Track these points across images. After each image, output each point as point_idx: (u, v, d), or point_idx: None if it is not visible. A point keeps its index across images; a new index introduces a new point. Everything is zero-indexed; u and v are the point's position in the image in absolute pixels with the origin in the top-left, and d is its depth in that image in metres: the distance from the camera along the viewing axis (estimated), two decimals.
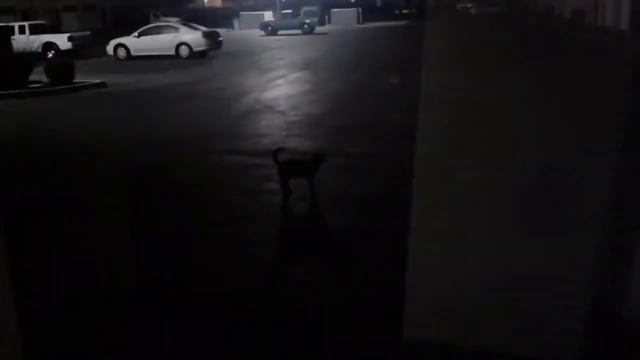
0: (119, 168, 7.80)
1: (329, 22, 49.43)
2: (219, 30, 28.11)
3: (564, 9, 37.28)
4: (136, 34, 24.50)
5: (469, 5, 69.05)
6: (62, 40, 25.80)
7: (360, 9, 53.39)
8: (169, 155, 8.30)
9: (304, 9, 44.51)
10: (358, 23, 50.24)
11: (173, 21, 34.86)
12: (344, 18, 50.12)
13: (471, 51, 3.05)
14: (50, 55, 23.94)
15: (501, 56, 3.01)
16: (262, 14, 49.08)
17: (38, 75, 15.92)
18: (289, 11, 45.17)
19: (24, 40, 18.81)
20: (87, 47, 27.00)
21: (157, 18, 52.71)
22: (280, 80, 16.09)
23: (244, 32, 45.59)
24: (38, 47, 21.08)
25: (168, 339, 3.62)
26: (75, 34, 27.64)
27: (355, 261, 4.74)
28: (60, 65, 16.24)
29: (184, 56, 23.50)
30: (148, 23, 35.79)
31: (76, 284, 4.37)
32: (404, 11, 69.07)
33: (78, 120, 11.39)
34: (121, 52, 24.28)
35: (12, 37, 19.45)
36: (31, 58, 16.37)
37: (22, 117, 12.10)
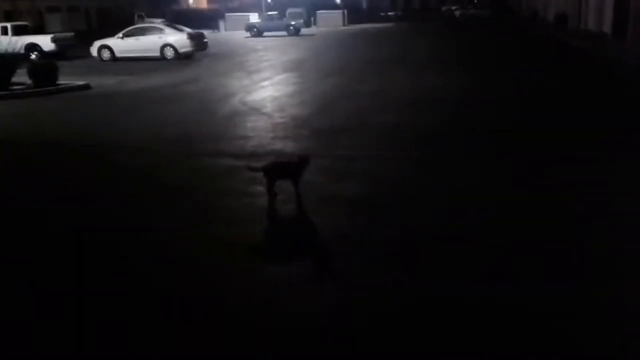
0: (99, 170, 7.75)
1: (315, 24, 49.45)
2: (204, 31, 27.98)
3: (547, 12, 37.60)
4: (120, 35, 24.34)
5: (453, 8, 69.54)
6: (45, 42, 25.55)
7: (345, 11, 53.52)
8: (152, 157, 8.24)
9: (290, 10, 44.50)
10: (344, 25, 50.34)
11: (158, 22, 34.66)
12: (330, 20, 50.19)
13: None
14: (33, 56, 23.67)
15: None
16: (248, 16, 49.02)
17: (21, 77, 15.75)
18: (275, 13, 45.16)
19: (7, 41, 18.56)
20: (71, 49, 26.78)
21: (141, 19, 52.38)
22: (265, 82, 16.06)
23: (229, 33, 45.49)
24: (21, 48, 20.85)
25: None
26: (58, 35, 27.39)
27: (338, 263, 4.73)
28: (44, 67, 16.07)
29: (169, 58, 23.38)
30: (132, 24, 35.61)
31: None
32: (389, 13, 69.39)
33: (60, 122, 11.29)
34: (105, 54, 24.10)
35: None
36: (14, 59, 16.17)
37: (4, 118, 11.94)
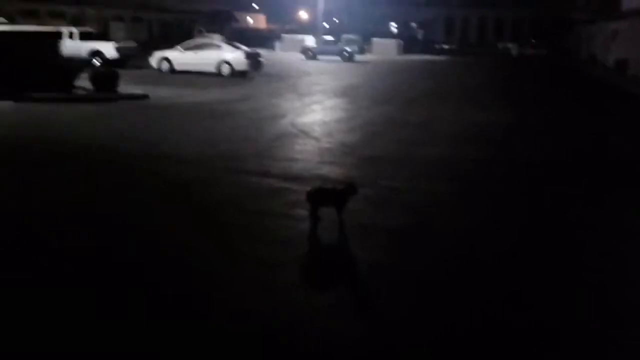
0: (146, 179, 7.98)
1: (370, 51, 49.79)
2: (260, 51, 28.56)
3: (607, 56, 37.10)
4: (180, 48, 25.05)
5: (510, 45, 69.01)
6: (108, 49, 26.42)
7: (401, 41, 53.71)
8: (199, 171, 8.45)
9: (345, 36, 45.06)
10: (398, 54, 50.53)
11: (217, 39, 35.56)
12: (385, 48, 50.50)
13: None
14: (96, 62, 24.57)
15: None
16: (303, 38, 49.72)
17: (83, 82, 16.39)
18: (331, 38, 45.69)
19: (73, 46, 19.38)
20: (133, 58, 27.65)
21: (201, 34, 53.82)
22: (316, 106, 16.27)
23: (284, 54, 46.21)
24: (85, 53, 21.75)
25: None
26: (121, 44, 28.33)
27: (377, 296, 4.75)
28: (105, 74, 16.68)
29: (225, 74, 23.91)
30: (192, 38, 36.61)
31: None
32: (444, 46, 69.30)
33: (116, 130, 11.67)
34: (164, 65, 24.82)
35: (61, 41, 20.08)
36: (78, 64, 16.85)
37: (59, 121, 12.44)
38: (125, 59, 26.67)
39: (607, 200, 7.80)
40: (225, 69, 24.01)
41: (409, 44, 56.44)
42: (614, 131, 13.97)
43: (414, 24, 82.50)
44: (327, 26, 62.94)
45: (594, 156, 10.80)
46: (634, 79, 29.36)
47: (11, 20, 35.18)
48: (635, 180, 9.00)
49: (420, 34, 69.16)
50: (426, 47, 62.18)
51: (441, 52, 62.78)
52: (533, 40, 72.30)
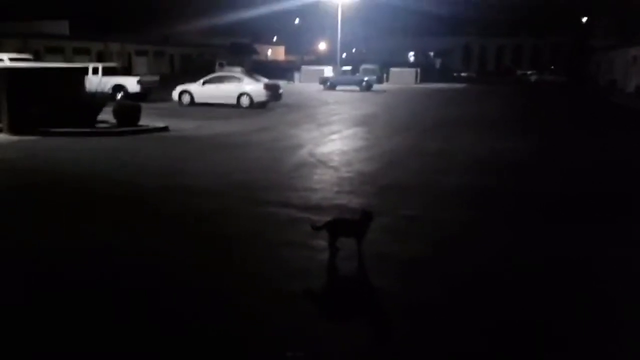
0: (166, 210, 8.08)
1: (387, 81, 50.15)
2: (280, 82, 28.94)
3: (627, 82, 36.91)
4: (201, 82, 25.49)
5: (529, 72, 69.22)
6: (131, 83, 27.04)
7: (419, 69, 54.06)
8: (219, 202, 8.52)
9: (363, 66, 45.53)
10: (416, 83, 50.83)
11: (237, 71, 36.08)
12: (402, 77, 50.86)
13: None
14: (118, 96, 25.10)
15: None
16: (322, 69, 50.31)
17: (106, 115, 16.74)
18: (349, 68, 46.16)
19: (97, 81, 19.84)
20: (155, 91, 28.20)
21: (221, 67, 54.74)
22: (335, 136, 16.38)
23: (304, 85, 46.74)
24: (109, 88, 22.21)
25: None
26: (144, 78, 28.94)
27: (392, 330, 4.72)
28: (128, 108, 17.01)
29: (245, 106, 24.23)
30: (213, 71, 37.27)
31: None
32: (462, 74, 69.53)
33: (137, 163, 11.85)
34: (185, 98, 25.26)
35: (86, 77, 20.57)
36: (102, 99, 17.23)
37: (80, 154, 12.68)
38: (147, 93, 27.23)
39: (631, 237, 7.70)
40: (245, 101, 24.34)
41: (426, 72, 56.77)
42: (637, 159, 13.80)
43: (431, 53, 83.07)
44: (345, 56, 63.60)
45: (615, 188, 10.67)
46: None
47: (37, 57, 36.17)
48: None
49: (437, 63, 69.54)
50: (444, 75, 62.45)
51: (459, 80, 62.97)
52: (552, 67, 72.24)
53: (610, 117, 24.74)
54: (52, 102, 15.40)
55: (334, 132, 17.07)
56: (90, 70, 26.24)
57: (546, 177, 11.02)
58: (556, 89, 47.01)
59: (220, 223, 7.57)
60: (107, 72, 27.23)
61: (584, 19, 62.24)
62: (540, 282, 5.68)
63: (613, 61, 49.17)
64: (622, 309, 5.13)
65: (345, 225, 6.34)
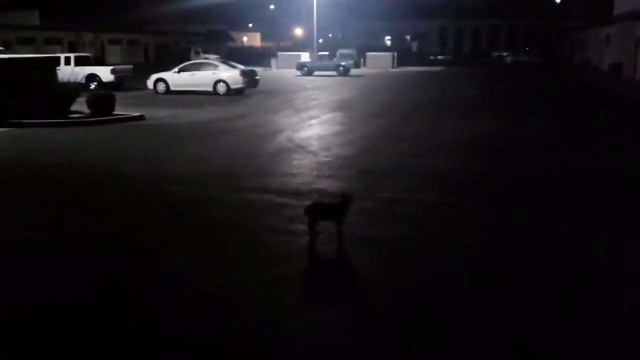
0: (144, 200, 7.98)
1: (365, 65, 50.01)
2: (256, 69, 28.68)
3: (601, 61, 37.39)
4: (176, 69, 25.17)
5: (504, 54, 69.50)
6: (104, 73, 26.62)
7: (395, 54, 54.00)
8: (198, 190, 8.44)
9: (340, 51, 45.23)
10: (393, 67, 50.76)
11: (212, 58, 35.72)
12: (379, 62, 50.73)
13: None
14: (92, 86, 24.69)
15: None
16: (299, 55, 49.98)
17: (80, 106, 16.45)
18: (325, 53, 45.93)
19: (69, 71, 19.47)
20: (129, 80, 27.81)
21: (197, 55, 54.12)
22: (313, 121, 16.30)
23: (280, 71, 46.43)
24: (82, 78, 21.86)
25: None
26: (117, 67, 28.50)
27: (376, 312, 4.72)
28: (101, 97, 16.73)
29: (221, 93, 23.99)
30: (189, 59, 36.82)
31: None
32: (438, 57, 69.66)
33: (112, 152, 11.68)
34: (161, 87, 24.94)
35: (58, 67, 20.18)
36: (74, 89, 16.92)
37: (56, 145, 12.45)
38: (121, 82, 26.84)
39: (610, 211, 7.79)
40: (222, 88, 24.10)
41: (403, 56, 56.74)
42: (613, 135, 13.97)
43: (407, 37, 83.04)
44: (322, 42, 63.30)
45: (593, 164, 10.79)
46: (628, 83, 29.48)
47: (8, 48, 35.38)
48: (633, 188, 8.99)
49: (414, 46, 69.48)
50: (420, 59, 62.48)
51: (436, 63, 63.09)
52: (527, 48, 72.71)
53: (583, 97, 24.99)
54: (24, 93, 15.08)
55: (312, 118, 17.00)
56: (62, 60, 25.72)
57: (522, 158, 11.10)
58: (531, 70, 47.34)
59: (200, 210, 7.50)
60: (80, 61, 26.73)
61: (558, 0, 62.66)
62: (524, 264, 5.72)
63: (587, 41, 49.63)
64: (612, 294, 5.19)
65: (325, 209, 6.32)
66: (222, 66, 25.19)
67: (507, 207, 7.63)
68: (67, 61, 26.22)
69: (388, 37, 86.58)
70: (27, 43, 44.32)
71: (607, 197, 8.13)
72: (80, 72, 21.80)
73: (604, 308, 4.70)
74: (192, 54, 56.15)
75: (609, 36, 39.72)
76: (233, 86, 24.08)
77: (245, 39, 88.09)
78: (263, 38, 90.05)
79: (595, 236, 6.46)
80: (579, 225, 6.83)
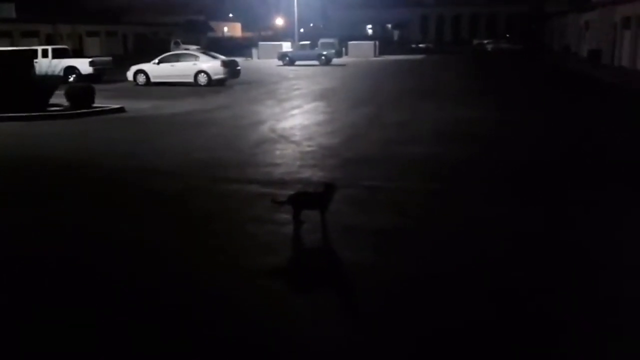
0: (126, 193, 7.89)
1: (347, 54, 49.92)
2: (237, 59, 28.48)
3: (580, 47, 37.68)
4: (156, 60, 24.91)
5: (485, 42, 69.76)
6: (83, 65, 26.30)
7: (377, 42, 53.97)
8: (181, 182, 8.36)
9: (322, 40, 45.09)
10: (375, 56, 50.74)
11: (193, 49, 35.38)
12: (361, 50, 50.69)
13: None
14: (71, 79, 24.35)
15: None
16: (281, 45, 49.74)
17: (59, 99, 16.22)
18: (307, 42, 45.75)
19: (47, 64, 19.17)
20: (108, 72, 27.49)
21: (177, 46, 53.61)
22: (296, 111, 16.23)
23: (262, 61, 46.20)
24: (60, 70, 21.53)
25: None
26: (96, 59, 28.15)
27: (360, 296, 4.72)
28: (80, 89, 16.51)
29: (203, 84, 23.81)
30: (168, 50, 36.47)
31: None
32: (420, 45, 69.75)
33: (92, 145, 11.54)
34: (141, 78, 24.68)
35: (35, 60, 19.85)
36: (52, 82, 16.67)
37: (34, 138, 12.27)
38: (100, 74, 26.52)
39: (593, 197, 7.86)
40: (203, 79, 23.92)
41: (384, 45, 56.74)
42: (593, 120, 14.10)
43: (389, 25, 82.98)
44: (303, 31, 62.99)
45: (574, 148, 10.88)
46: (606, 68, 29.76)
47: None
48: (612, 171, 9.08)
49: (395, 35, 69.51)
50: (402, 47, 62.54)
51: (417, 51, 63.15)
52: (507, 36, 72.99)
53: (563, 83, 25.18)
54: (0, 86, 14.81)
55: (294, 107, 16.92)
56: (39, 53, 25.33)
57: (505, 145, 11.15)
58: (512, 57, 47.56)
59: (183, 201, 7.44)
60: (58, 54, 26.34)
61: None
62: (511, 251, 5.74)
63: (566, 27, 49.96)
64: (603, 280, 5.24)
65: (308, 197, 6.30)
66: (202, 57, 24.98)
67: (492, 194, 7.66)
68: (45, 54, 25.86)
69: (369, 26, 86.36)
70: (3, 36, 43.58)
71: (590, 182, 8.20)
72: (59, 65, 21.49)
73: (597, 295, 4.73)
74: (172, 45, 55.61)
75: (587, 22, 40.04)
76: (214, 77, 23.90)
77: (225, 29, 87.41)
78: (244, 28, 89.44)
79: (580, 221, 6.50)
80: (566, 210, 6.88)
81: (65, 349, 3.92)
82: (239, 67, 25.89)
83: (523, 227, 6.27)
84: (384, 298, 4.63)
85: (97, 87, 17.56)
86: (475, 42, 73.45)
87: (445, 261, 5.37)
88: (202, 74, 23.95)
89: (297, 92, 21.51)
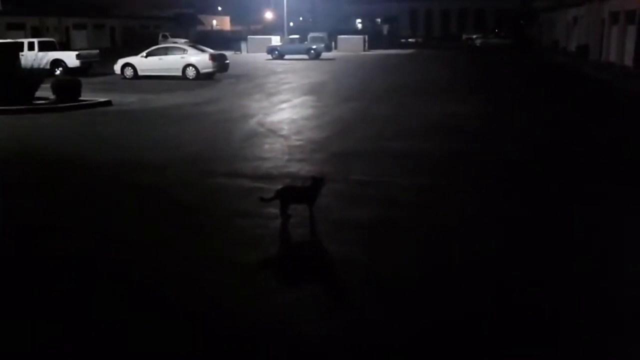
0: (114, 187, 7.81)
1: (336, 48, 49.81)
2: (226, 53, 28.32)
3: (569, 43, 37.78)
4: (144, 54, 24.69)
5: (474, 36, 69.82)
6: (70, 58, 25.99)
7: (366, 37, 53.88)
8: (169, 176, 8.30)
9: (311, 34, 44.91)
10: (364, 50, 50.67)
11: (181, 42, 35.14)
12: (351, 45, 50.58)
13: None
14: (57, 72, 24.09)
15: None
16: (270, 38, 49.54)
17: (45, 92, 16.04)
18: (296, 36, 45.59)
19: (33, 57, 18.94)
20: (95, 65, 27.22)
21: (165, 39, 53.23)
22: (284, 105, 16.16)
23: (251, 55, 45.99)
24: (46, 63, 21.30)
25: None
26: (83, 52, 27.87)
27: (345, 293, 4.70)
28: (67, 83, 16.34)
29: (191, 77, 23.65)
30: (156, 43, 36.16)
31: None
32: (409, 40, 69.76)
33: (79, 138, 11.43)
34: (128, 72, 24.46)
35: (21, 53, 19.59)
36: (39, 75, 16.48)
37: (19, 131, 12.13)
38: (87, 67, 26.26)
39: (583, 192, 7.88)
40: (191, 73, 23.75)
41: (374, 39, 56.65)
42: (581, 115, 14.15)
43: (378, 20, 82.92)
44: (292, 25, 62.75)
45: (562, 142, 10.92)
46: (594, 64, 29.91)
47: None
48: (601, 165, 9.12)
49: (385, 29, 69.44)
50: (391, 41, 62.49)
51: (406, 45, 63.16)
52: (497, 31, 73.14)
53: (551, 78, 25.28)
54: None
55: (283, 102, 16.85)
56: (25, 46, 25.03)
57: (495, 139, 11.17)
58: (500, 52, 47.68)
59: (171, 195, 7.38)
60: (45, 47, 26.00)
61: None
62: (501, 244, 5.75)
63: (555, 23, 50.13)
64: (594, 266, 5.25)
65: (296, 192, 6.27)
66: (191, 50, 24.80)
67: (482, 188, 7.66)
68: (31, 46, 25.55)
69: (359, 20, 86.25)
70: None
71: (578, 174, 8.22)
72: (45, 58, 21.26)
73: (592, 288, 4.74)
74: (160, 38, 55.19)
75: (576, 18, 40.20)
76: (202, 70, 23.74)
77: (214, 22, 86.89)
78: (233, 22, 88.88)
79: (572, 214, 6.52)
80: (554, 202, 6.89)
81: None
82: (227, 61, 25.74)
83: (515, 221, 6.28)
84: (373, 291, 4.60)
85: (83, 80, 17.39)
86: (465, 37, 73.60)
87: (436, 255, 5.36)
88: (191, 67, 23.78)
89: (286, 86, 21.42)
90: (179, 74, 23.74)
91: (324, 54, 41.56)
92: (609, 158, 9.32)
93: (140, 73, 24.19)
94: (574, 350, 3.78)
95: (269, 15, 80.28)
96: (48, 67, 21.81)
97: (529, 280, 4.80)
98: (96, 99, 16.33)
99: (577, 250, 5.46)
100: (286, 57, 40.42)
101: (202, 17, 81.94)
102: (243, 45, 50.69)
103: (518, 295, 4.54)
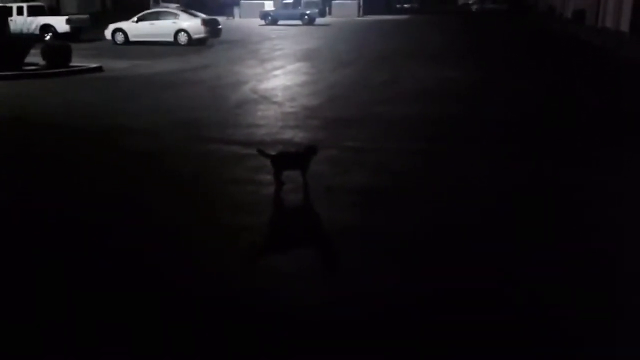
0: (106, 154, 7.75)
1: (330, 14, 49.16)
2: (219, 18, 27.90)
3: (565, 8, 37.26)
4: (135, 19, 24.32)
5: (470, 2, 69.11)
6: (60, 23, 25.60)
7: (361, 2, 53.13)
8: (161, 142, 8.24)
9: None
10: (359, 15, 50.06)
11: (172, 7, 34.47)
12: (345, 10, 49.90)
13: None
14: (47, 37, 23.73)
15: None
16: (263, 3, 48.74)
17: (35, 58, 15.81)
18: (290, 1, 44.87)
19: (22, 22, 18.63)
20: (85, 31, 26.82)
21: (156, 3, 52.27)
22: (278, 71, 16.00)
23: (244, 20, 45.36)
24: (36, 29, 21.00)
25: None
26: (73, 17, 27.40)
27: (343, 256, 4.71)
28: (57, 48, 16.11)
29: (183, 43, 23.35)
30: (148, 8, 35.57)
31: None
32: (404, 5, 68.92)
33: (70, 104, 11.31)
34: (119, 37, 24.13)
35: (10, 18, 19.27)
36: (28, 40, 16.23)
37: (8, 98, 11.98)
38: (77, 32, 25.87)
39: (577, 156, 7.88)
40: (183, 38, 23.45)
41: (369, 4, 55.87)
42: (576, 81, 14.08)
43: None
44: None
45: (557, 108, 10.87)
46: (590, 29, 29.66)
47: None
48: (597, 129, 9.10)
49: None
50: (387, 7, 61.64)
51: (402, 11, 62.45)
52: None
53: (546, 43, 25.07)
54: None
55: (276, 68, 16.67)
56: (14, 11, 24.59)
57: (490, 104, 11.11)
58: (496, 18, 47.21)
59: (163, 161, 7.34)
60: (34, 11, 25.55)
61: None
62: (497, 211, 5.75)
63: None
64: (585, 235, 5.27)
65: (289, 158, 6.24)
66: (182, 15, 24.44)
67: (478, 153, 7.63)
68: (20, 11, 25.12)
69: None
70: None
71: (569, 139, 8.21)
72: (34, 23, 20.94)
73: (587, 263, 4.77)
74: (152, 2, 54.22)
75: None
76: (195, 36, 23.44)
77: None
78: None
79: (567, 178, 6.52)
80: (549, 167, 6.89)
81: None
82: (220, 26, 25.39)
83: (510, 186, 6.28)
84: (367, 256, 4.61)
85: (74, 46, 17.14)
86: (461, 2, 72.80)
87: (431, 220, 5.36)
88: (182, 32, 23.46)
89: (279, 53, 21.18)
90: (171, 39, 23.44)
91: (318, 20, 41.06)
92: (600, 123, 9.29)
93: (131, 39, 23.87)
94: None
95: None
96: (37, 32, 21.50)
97: (525, 246, 4.82)
98: (87, 64, 16.12)
99: (583, 216, 5.48)
100: (279, 22, 39.91)
101: None
102: (236, 11, 49.92)
103: (517, 265, 4.56)
